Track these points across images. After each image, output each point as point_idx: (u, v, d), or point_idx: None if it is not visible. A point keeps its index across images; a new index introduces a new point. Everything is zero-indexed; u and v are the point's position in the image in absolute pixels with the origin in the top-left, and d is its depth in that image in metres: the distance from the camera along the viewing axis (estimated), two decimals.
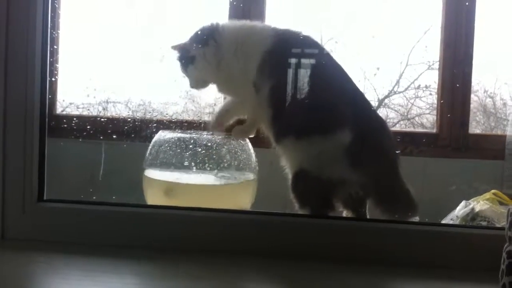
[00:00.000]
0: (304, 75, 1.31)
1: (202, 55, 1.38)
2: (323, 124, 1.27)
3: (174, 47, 1.42)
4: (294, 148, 1.29)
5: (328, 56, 1.35)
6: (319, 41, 1.48)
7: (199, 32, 1.40)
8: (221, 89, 1.45)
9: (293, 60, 1.34)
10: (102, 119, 1.74)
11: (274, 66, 1.32)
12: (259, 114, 1.35)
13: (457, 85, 1.76)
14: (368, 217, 1.31)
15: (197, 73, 1.41)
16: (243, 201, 1.38)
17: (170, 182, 1.34)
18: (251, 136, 1.43)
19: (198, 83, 1.44)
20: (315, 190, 1.27)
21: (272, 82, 1.31)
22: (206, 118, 1.57)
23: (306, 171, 1.27)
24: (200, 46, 1.38)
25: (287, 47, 1.35)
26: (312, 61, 1.35)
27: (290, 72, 1.32)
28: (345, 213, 1.33)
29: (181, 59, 1.41)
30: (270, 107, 1.31)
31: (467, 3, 1.74)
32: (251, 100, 1.36)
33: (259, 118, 1.37)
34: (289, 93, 1.32)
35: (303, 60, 1.34)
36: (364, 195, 1.30)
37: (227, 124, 1.44)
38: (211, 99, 1.65)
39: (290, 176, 1.31)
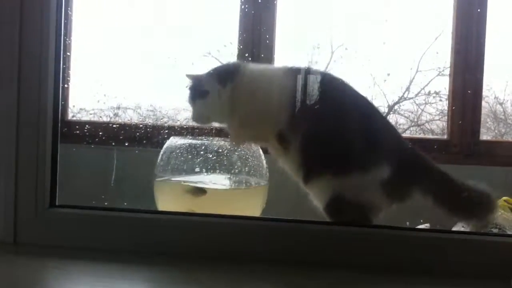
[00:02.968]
0: (335, 113, 1.24)
1: (217, 93, 1.30)
2: (362, 160, 1.22)
3: (189, 76, 1.35)
4: (328, 185, 1.22)
5: (353, 89, 1.28)
6: (329, 48, 1.48)
7: (220, 70, 1.33)
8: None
9: (322, 99, 1.24)
10: (114, 125, 1.75)
11: (303, 111, 1.24)
12: (285, 161, 1.29)
13: (469, 91, 1.76)
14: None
15: (204, 109, 1.33)
16: (254, 206, 1.38)
17: (183, 185, 1.35)
18: None
19: (201, 118, 1.35)
20: (355, 212, 1.22)
21: (304, 129, 1.24)
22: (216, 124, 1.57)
23: (342, 197, 1.21)
24: (217, 83, 1.30)
25: (314, 88, 1.26)
26: (341, 97, 1.28)
27: (321, 112, 1.24)
28: None
29: (192, 89, 1.33)
30: (302, 154, 1.24)
31: (478, 10, 1.73)
32: (269, 143, 1.31)
33: (285, 164, 1.30)
34: (323, 133, 1.23)
35: (332, 97, 1.27)
36: None
37: None
38: None
39: (322, 205, 1.25)
